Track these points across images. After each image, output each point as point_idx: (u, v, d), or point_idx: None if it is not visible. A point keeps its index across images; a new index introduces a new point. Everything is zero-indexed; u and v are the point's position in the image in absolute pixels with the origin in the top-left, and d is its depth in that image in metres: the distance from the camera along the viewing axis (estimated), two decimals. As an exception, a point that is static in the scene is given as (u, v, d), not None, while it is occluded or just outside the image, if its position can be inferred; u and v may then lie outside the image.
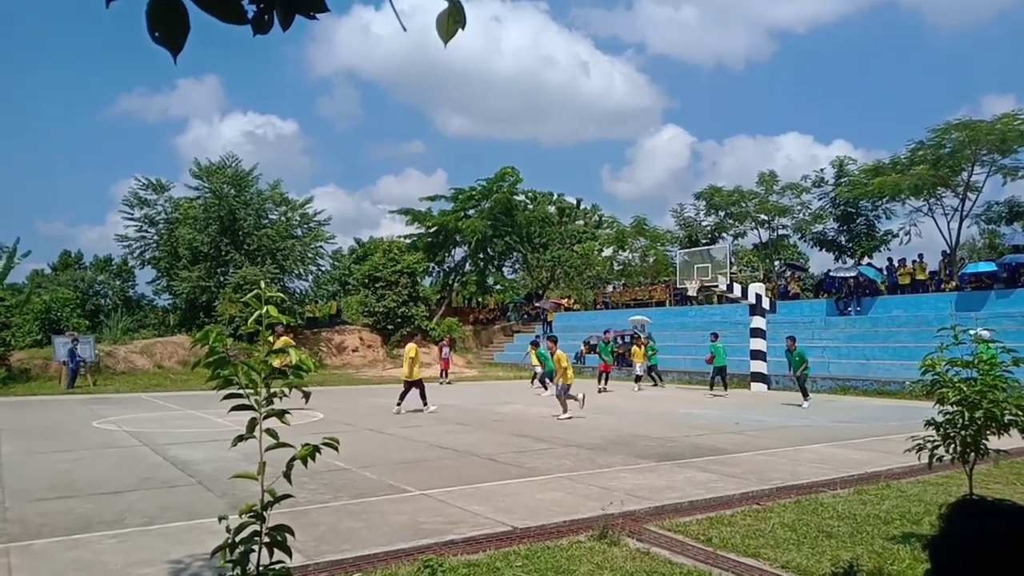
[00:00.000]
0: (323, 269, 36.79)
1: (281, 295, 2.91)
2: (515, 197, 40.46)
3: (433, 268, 42.14)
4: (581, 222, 46.81)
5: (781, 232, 39.72)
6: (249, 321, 2.89)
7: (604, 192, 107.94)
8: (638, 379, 22.95)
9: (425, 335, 35.78)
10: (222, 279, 30.75)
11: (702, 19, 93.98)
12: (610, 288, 41.62)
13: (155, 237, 33.04)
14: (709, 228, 40.70)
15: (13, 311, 26.36)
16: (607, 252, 44.44)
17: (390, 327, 34.09)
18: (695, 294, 26.35)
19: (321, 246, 35.14)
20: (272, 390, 2.89)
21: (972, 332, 5.99)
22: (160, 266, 33.02)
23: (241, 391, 2.85)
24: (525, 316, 41.01)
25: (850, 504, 6.85)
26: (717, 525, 6.09)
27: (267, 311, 2.86)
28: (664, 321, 31.43)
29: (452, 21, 1.53)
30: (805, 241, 39.09)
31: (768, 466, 8.92)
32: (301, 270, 34.15)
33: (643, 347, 23.33)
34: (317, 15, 1.60)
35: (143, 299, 40.13)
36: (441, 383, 25.00)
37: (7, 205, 68.10)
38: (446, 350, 26.87)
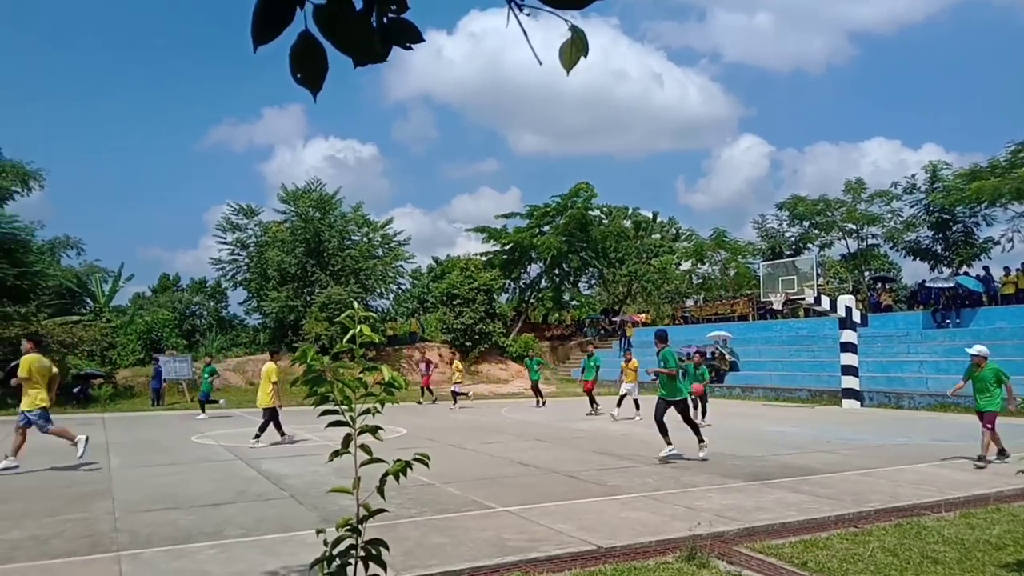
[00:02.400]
0: (403, 287, 37.73)
1: (373, 315, 3.00)
2: (590, 212, 40.33)
3: (509, 285, 42.42)
4: (658, 236, 46.20)
5: (871, 242, 37.99)
6: (344, 340, 2.98)
7: (679, 204, 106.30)
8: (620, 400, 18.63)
9: (502, 351, 36.04)
10: (309, 299, 31.90)
11: (777, 25, 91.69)
12: (689, 302, 40.80)
13: (246, 259, 34.67)
14: (793, 239, 39.35)
15: (118, 332, 28.17)
16: (685, 266, 43.64)
17: (468, 343, 34.49)
18: (780, 308, 25.46)
19: (401, 265, 36.09)
20: (365, 407, 2.98)
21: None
22: (251, 287, 34.58)
23: (336, 407, 2.95)
24: (602, 332, 40.67)
25: (957, 528, 6.44)
26: (812, 548, 5.84)
27: (360, 330, 2.95)
28: (747, 336, 30.54)
29: (575, 50, 1.56)
30: (897, 251, 37.18)
31: (865, 487, 8.49)
32: (382, 289, 35.09)
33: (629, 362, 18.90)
34: (412, 45, 1.65)
35: (235, 319, 42.03)
36: (421, 402, 23.60)
37: (112, 232, 73.11)
38: (426, 367, 25.66)
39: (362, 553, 2.81)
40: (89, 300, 33.34)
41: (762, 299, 27.07)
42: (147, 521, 6.92)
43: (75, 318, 28.05)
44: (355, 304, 3.03)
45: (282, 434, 13.07)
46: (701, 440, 10.68)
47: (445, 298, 35.80)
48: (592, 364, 20.41)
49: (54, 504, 7.71)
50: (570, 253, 39.54)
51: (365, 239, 35.33)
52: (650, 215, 46.62)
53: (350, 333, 2.96)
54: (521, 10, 1.53)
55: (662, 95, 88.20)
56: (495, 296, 36.97)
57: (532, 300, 43.74)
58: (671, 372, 10.39)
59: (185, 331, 33.92)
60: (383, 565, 2.77)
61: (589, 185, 39.70)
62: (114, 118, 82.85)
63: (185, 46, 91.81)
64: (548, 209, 40.18)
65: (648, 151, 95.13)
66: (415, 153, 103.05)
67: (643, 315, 38.88)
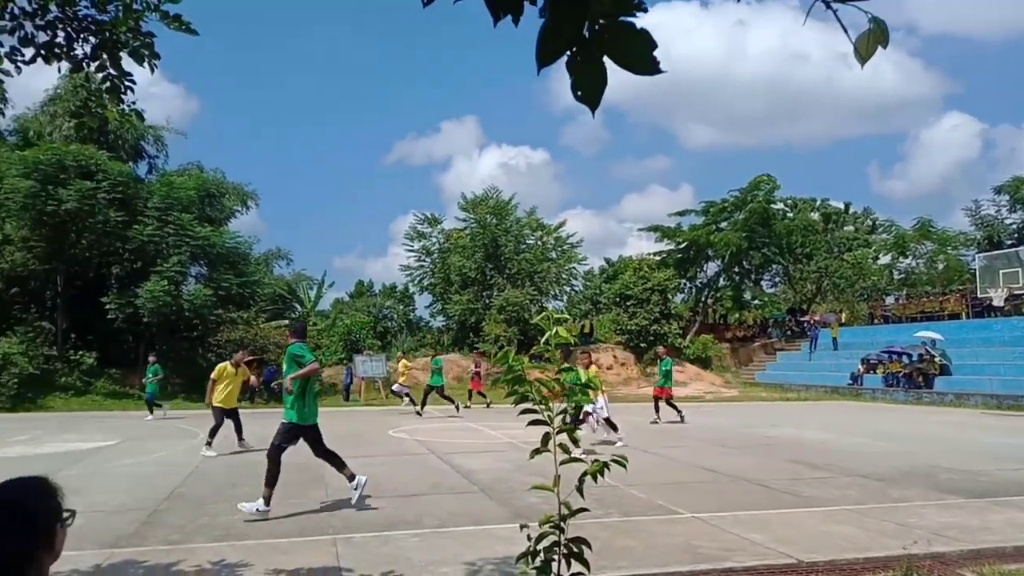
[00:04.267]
0: (576, 289, 38.06)
1: (567, 316, 3.05)
2: (772, 206, 38.15)
3: (685, 284, 41.25)
4: (851, 228, 42.70)
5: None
6: (542, 342, 3.07)
7: (873, 193, 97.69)
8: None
9: (679, 353, 35.13)
10: (488, 301, 33.18)
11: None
12: (890, 300, 37.26)
13: (430, 266, 36.79)
14: (1016, 226, 34.64)
15: (323, 334, 31.08)
16: (884, 259, 39.93)
17: (643, 345, 34.01)
18: (1002, 304, 22.50)
19: (574, 267, 36.45)
20: (563, 406, 3.04)
21: None
22: (435, 291, 36.65)
23: (536, 407, 3.04)
24: (788, 333, 38.31)
25: None
26: (1058, 579, 5.10)
27: (556, 332, 3.02)
28: (961, 336, 27.26)
29: (873, 41, 1.52)
30: None
31: (1124, 513, 7.27)
32: (556, 291, 35.64)
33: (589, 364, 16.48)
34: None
35: (421, 321, 44.72)
36: (468, 406, 21.92)
37: (315, 245, 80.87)
38: (477, 368, 23.89)
39: (564, 551, 2.87)
40: (298, 305, 37.10)
41: (979, 295, 24.10)
42: (356, 508, 7.54)
43: (286, 321, 31.31)
44: (548, 307, 3.11)
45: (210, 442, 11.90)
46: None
47: (618, 299, 35.57)
48: (664, 369, 18.13)
49: (279, 489, 8.60)
50: (751, 249, 37.67)
51: (539, 242, 36.13)
52: (841, 206, 43.18)
53: (547, 335, 3.04)
54: (828, 6, 1.51)
55: (850, 76, 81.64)
56: (670, 296, 36.14)
57: (710, 300, 42.20)
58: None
59: (379, 333, 36.63)
60: (587, 564, 2.81)
61: (771, 177, 37.60)
62: (314, 140, 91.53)
63: (372, 67, 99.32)
64: (726, 204, 38.57)
65: (834, 137, 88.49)
66: (585, 155, 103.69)
67: (841, 314, 36.07)
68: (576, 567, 2.88)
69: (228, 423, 12.32)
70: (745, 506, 7.72)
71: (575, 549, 2.89)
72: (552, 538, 2.93)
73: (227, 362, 12.74)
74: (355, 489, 7.55)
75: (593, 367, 13.98)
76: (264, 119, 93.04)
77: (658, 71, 1.39)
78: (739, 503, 7.90)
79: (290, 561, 5.51)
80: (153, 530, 6.57)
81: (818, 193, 51.76)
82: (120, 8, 3.80)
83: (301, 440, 7.63)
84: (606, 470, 3.02)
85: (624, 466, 3.01)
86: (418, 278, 37.53)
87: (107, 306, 24.16)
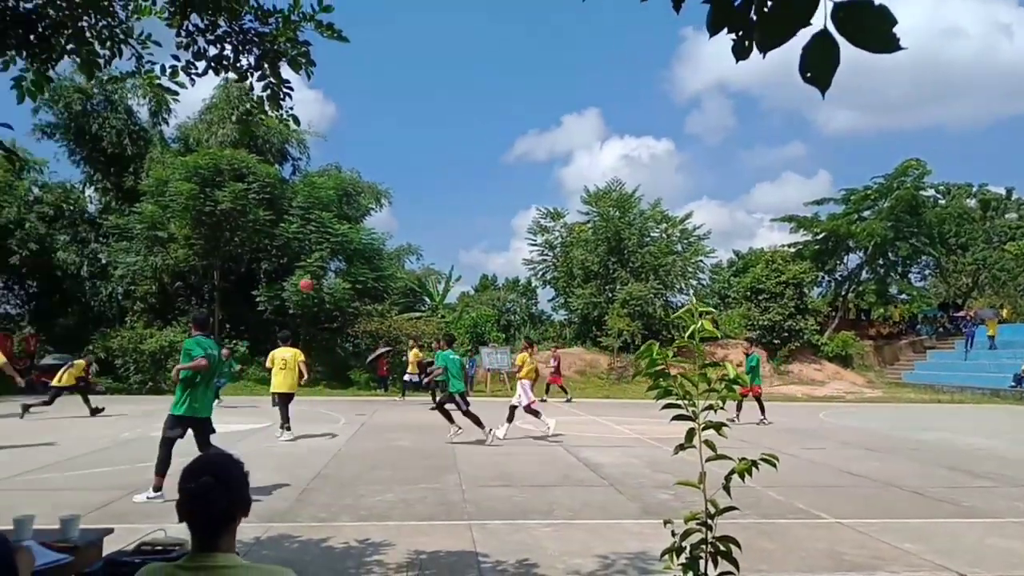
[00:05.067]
0: (703, 283, 36.90)
1: (712, 310, 2.97)
2: (921, 192, 35.21)
3: (823, 277, 38.94)
4: (1014, 215, 38.67)
5: None
6: (685, 335, 3.01)
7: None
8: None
9: (816, 350, 33.25)
10: (611, 295, 32.88)
11: None
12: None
13: (553, 259, 36.92)
14: None
15: (450, 326, 32.01)
16: (1056, 250, 35.88)
17: (776, 341, 32.48)
18: None
19: (701, 260, 35.34)
20: (708, 402, 2.97)
21: None
22: (557, 285, 36.74)
23: (679, 402, 2.98)
24: (940, 330, 35.29)
25: None
26: None
27: (702, 325, 2.95)
28: None
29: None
30: None
31: None
32: (682, 284, 34.72)
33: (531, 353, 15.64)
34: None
35: (543, 314, 45.01)
36: (545, 399, 21.71)
37: (443, 241, 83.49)
38: (556, 364, 23.58)
39: (711, 549, 2.81)
40: (427, 299, 38.43)
41: None
42: (488, 495, 7.73)
43: (417, 314, 32.55)
44: (692, 299, 3.03)
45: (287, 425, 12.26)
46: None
47: (749, 293, 34.15)
48: (750, 365, 16.98)
49: (414, 474, 9.02)
50: (897, 240, 34.96)
51: (664, 235, 35.32)
52: (1003, 191, 39.20)
53: (691, 328, 2.97)
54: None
55: (1011, 49, 73.76)
56: (806, 290, 34.24)
57: (851, 294, 39.61)
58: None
59: (503, 326, 37.23)
60: (736, 564, 2.73)
61: (920, 161, 34.71)
62: (440, 140, 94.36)
63: (494, 65, 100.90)
64: (869, 192, 36.02)
65: (993, 117, 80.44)
66: (710, 144, 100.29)
67: (1002, 310, 32.83)
68: (724, 566, 2.80)
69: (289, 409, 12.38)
70: (895, 513, 7.23)
71: (722, 548, 2.81)
72: (698, 535, 2.87)
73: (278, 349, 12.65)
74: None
75: (524, 354, 14.26)
76: (394, 120, 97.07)
77: (898, 48, 1.33)
78: (888, 510, 7.40)
79: (430, 543, 5.74)
80: (304, 508, 7.04)
81: (975, 178, 47.30)
82: (280, 20, 4.08)
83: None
84: (755, 468, 2.92)
85: (775, 466, 2.90)
86: (541, 272, 37.77)
87: (257, 299, 26.11)
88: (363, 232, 28.85)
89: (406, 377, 21.92)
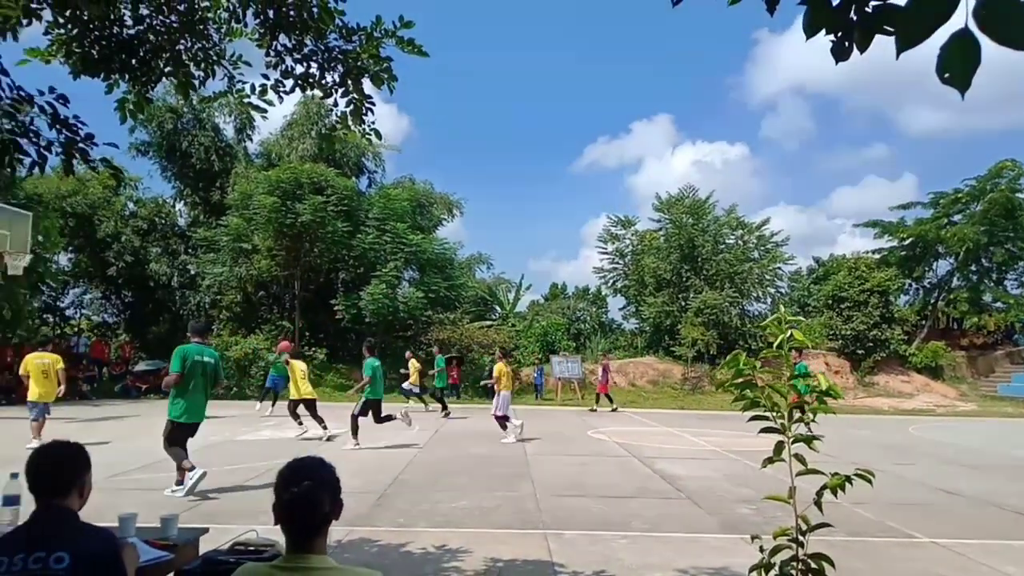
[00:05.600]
0: (781, 291, 35.74)
1: (802, 319, 2.88)
2: (1017, 195, 33.11)
3: (910, 285, 37.11)
4: None
5: None
6: (774, 345, 2.92)
7: None
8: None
9: (903, 361, 31.70)
10: (684, 304, 32.28)
11: None
12: None
13: (623, 268, 36.55)
14: None
15: (521, 335, 32.11)
16: None
17: (859, 352, 31.14)
18: None
19: (779, 268, 34.28)
20: (798, 415, 2.87)
21: None
22: (628, 293, 36.33)
23: (767, 413, 2.90)
24: (1041, 340, 33.04)
25: None
26: None
27: (791, 335, 2.86)
28: None
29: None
30: None
31: None
32: (759, 293, 33.75)
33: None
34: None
35: (613, 323, 44.55)
36: (595, 409, 22.04)
37: (512, 249, 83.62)
38: (604, 372, 23.03)
39: (802, 566, 2.71)
40: (498, 307, 38.63)
41: None
42: (563, 505, 7.69)
43: (488, 323, 32.76)
44: (780, 308, 2.95)
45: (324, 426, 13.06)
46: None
47: (830, 301, 32.87)
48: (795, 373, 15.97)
49: (489, 482, 9.07)
50: (991, 245, 32.97)
51: (740, 242, 34.45)
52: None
53: (779, 338, 2.89)
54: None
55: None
56: (892, 298, 32.71)
57: (941, 302, 37.58)
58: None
59: (572, 334, 37.05)
60: (829, 582, 2.63)
61: (1015, 162, 32.62)
62: (509, 150, 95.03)
63: (562, 74, 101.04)
64: (959, 195, 34.12)
65: (1104, 111, 74.71)
66: (788, 148, 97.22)
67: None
68: (816, 585, 2.70)
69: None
70: (997, 534, 6.81)
71: (814, 566, 2.71)
72: (788, 552, 2.77)
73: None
74: (189, 481, 7.65)
75: (500, 365, 14.42)
76: (463, 131, 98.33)
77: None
78: (989, 530, 6.98)
79: (506, 551, 5.75)
80: (382, 512, 7.18)
81: (1081, 177, 43.90)
82: (363, 37, 4.21)
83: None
84: (848, 484, 2.81)
85: (870, 482, 2.79)
86: (611, 280, 37.44)
87: (335, 307, 26.86)
88: (435, 242, 29.32)
89: (404, 385, 20.88)
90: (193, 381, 7.84)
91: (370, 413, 12.36)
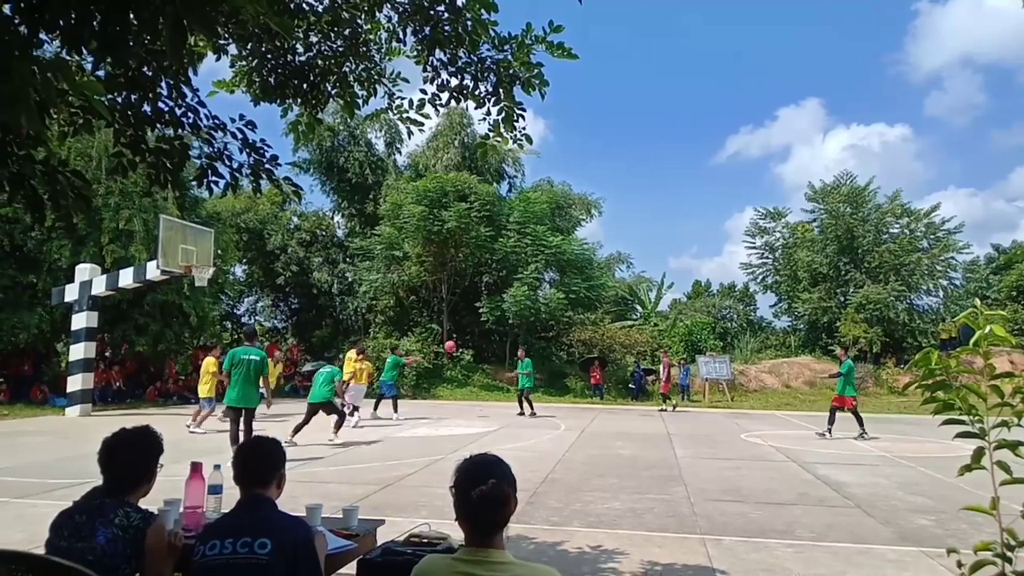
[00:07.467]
0: (955, 283, 32.53)
1: (1002, 313, 2.62)
2: None
3: (1115, 273, 32.58)
4: None
5: None
6: (971, 342, 2.68)
7: None
8: None
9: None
10: (843, 299, 30.25)
11: None
12: None
13: (774, 263, 34.80)
14: None
15: (664, 334, 31.45)
16: None
17: (1056, 349, 27.70)
18: None
19: (952, 257, 31.24)
20: (1000, 419, 2.61)
21: None
22: (780, 290, 34.55)
23: (963, 417, 2.66)
24: None
25: None
26: None
27: (991, 330, 2.61)
28: None
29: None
30: None
31: None
32: (930, 285, 30.93)
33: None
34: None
35: (763, 321, 42.52)
36: (665, 409, 21.44)
37: (652, 247, 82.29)
38: (666, 372, 22.16)
39: (1011, 585, 2.46)
40: (639, 307, 38.09)
41: None
42: (719, 510, 7.45)
43: (629, 323, 32.40)
44: (977, 302, 2.70)
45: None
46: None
47: (1015, 293, 29.54)
48: (842, 372, 14.66)
49: (640, 483, 8.96)
50: None
51: (906, 230, 31.74)
52: None
53: (977, 334, 2.64)
54: None
55: None
56: (1093, 288, 28.88)
57: None
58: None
59: (719, 333, 35.79)
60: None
61: None
62: (646, 145, 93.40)
63: (699, 64, 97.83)
64: None
65: None
66: (956, 126, 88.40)
67: None
68: (1030, 607, 2.44)
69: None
70: None
71: (1026, 585, 2.45)
72: (993, 569, 2.53)
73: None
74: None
75: (351, 354, 15.62)
76: (600, 130, 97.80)
77: None
78: None
79: (663, 555, 5.67)
80: (536, 511, 7.29)
81: None
82: (515, 45, 4.32)
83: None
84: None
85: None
86: (760, 276, 35.81)
87: (480, 310, 27.67)
88: (575, 243, 29.41)
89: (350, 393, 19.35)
90: (240, 374, 9.76)
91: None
